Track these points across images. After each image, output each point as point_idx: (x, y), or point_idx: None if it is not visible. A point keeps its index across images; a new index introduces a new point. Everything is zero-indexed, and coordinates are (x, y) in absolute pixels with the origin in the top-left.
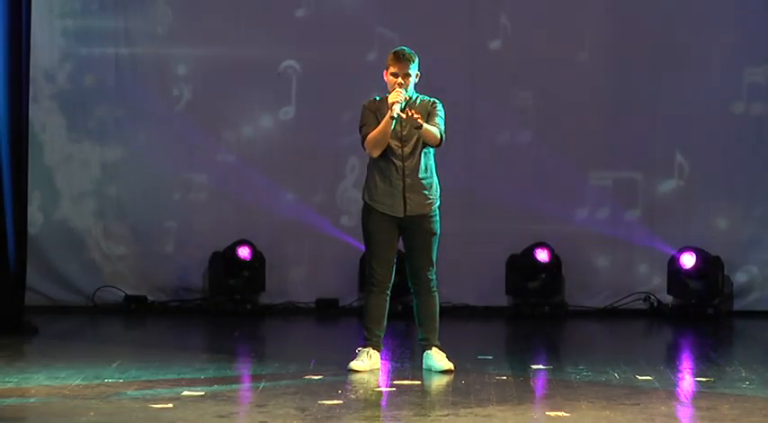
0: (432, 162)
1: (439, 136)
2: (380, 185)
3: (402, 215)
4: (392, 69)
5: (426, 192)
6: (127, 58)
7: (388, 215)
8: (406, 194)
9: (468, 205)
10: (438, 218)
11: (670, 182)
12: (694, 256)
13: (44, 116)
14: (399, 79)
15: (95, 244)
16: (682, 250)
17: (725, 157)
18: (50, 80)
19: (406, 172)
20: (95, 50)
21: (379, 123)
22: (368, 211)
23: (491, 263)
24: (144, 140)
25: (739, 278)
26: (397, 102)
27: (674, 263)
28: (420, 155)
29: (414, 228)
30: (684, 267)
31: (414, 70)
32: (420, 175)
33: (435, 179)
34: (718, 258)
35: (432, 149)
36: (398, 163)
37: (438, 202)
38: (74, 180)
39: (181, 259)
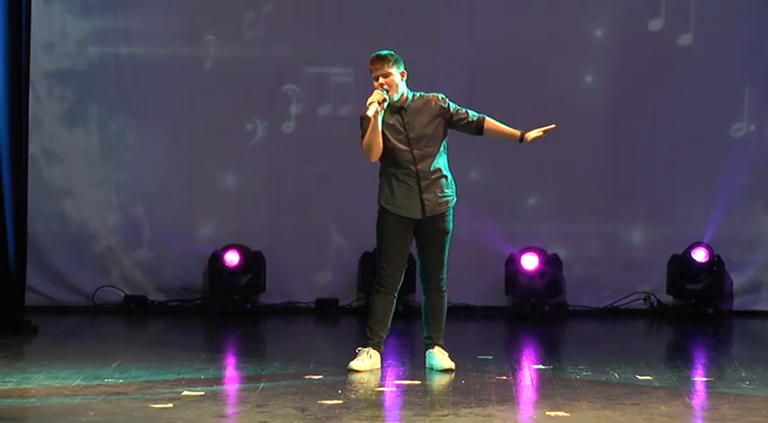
0: (445, 160)
1: (482, 118)
2: (397, 190)
3: (420, 217)
4: (372, 73)
5: (441, 191)
6: (127, 58)
7: (404, 218)
8: (424, 196)
9: (468, 205)
10: (452, 216)
11: (671, 182)
12: (706, 251)
13: (44, 116)
14: (381, 80)
15: (95, 244)
16: (693, 246)
17: (725, 157)
18: (50, 79)
19: (421, 174)
20: (95, 50)
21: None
22: (383, 213)
23: (491, 263)
24: (144, 140)
25: (739, 278)
26: (373, 101)
27: (675, 261)
28: (433, 155)
29: (429, 227)
30: (697, 261)
31: (394, 70)
32: (435, 176)
33: (450, 176)
34: (718, 258)
35: (444, 147)
36: (411, 167)
37: (455, 200)
38: (74, 180)
39: (181, 259)
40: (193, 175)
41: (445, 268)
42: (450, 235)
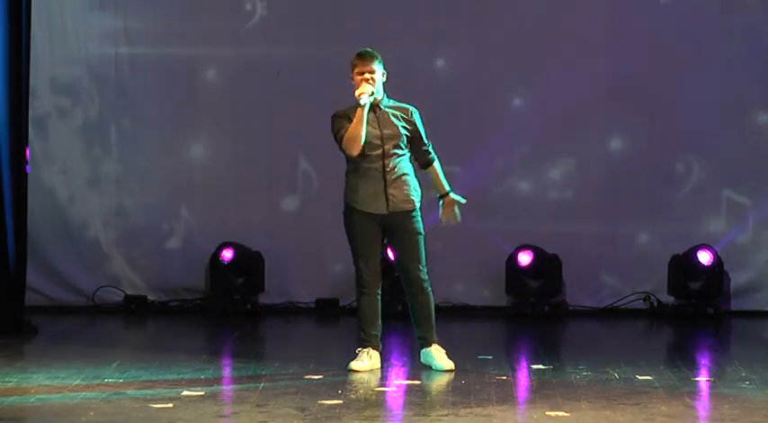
0: (411, 164)
1: (433, 158)
2: (362, 185)
3: (385, 212)
4: (356, 68)
5: (408, 189)
6: (127, 58)
7: (370, 214)
8: (388, 191)
9: (468, 205)
10: (420, 217)
11: (669, 180)
12: (710, 252)
13: (44, 116)
14: (366, 76)
15: (95, 244)
16: (696, 248)
17: (724, 157)
18: (50, 80)
19: (387, 169)
20: (95, 50)
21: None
22: (350, 212)
23: (491, 263)
24: (144, 140)
25: (739, 278)
26: (365, 93)
27: (676, 261)
28: (402, 155)
29: (398, 229)
30: (702, 263)
31: (378, 68)
32: (400, 174)
33: (415, 181)
34: (718, 258)
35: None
36: (378, 162)
37: (419, 203)
38: (74, 180)
39: (181, 259)
40: (194, 175)
41: (424, 268)
42: (422, 236)
